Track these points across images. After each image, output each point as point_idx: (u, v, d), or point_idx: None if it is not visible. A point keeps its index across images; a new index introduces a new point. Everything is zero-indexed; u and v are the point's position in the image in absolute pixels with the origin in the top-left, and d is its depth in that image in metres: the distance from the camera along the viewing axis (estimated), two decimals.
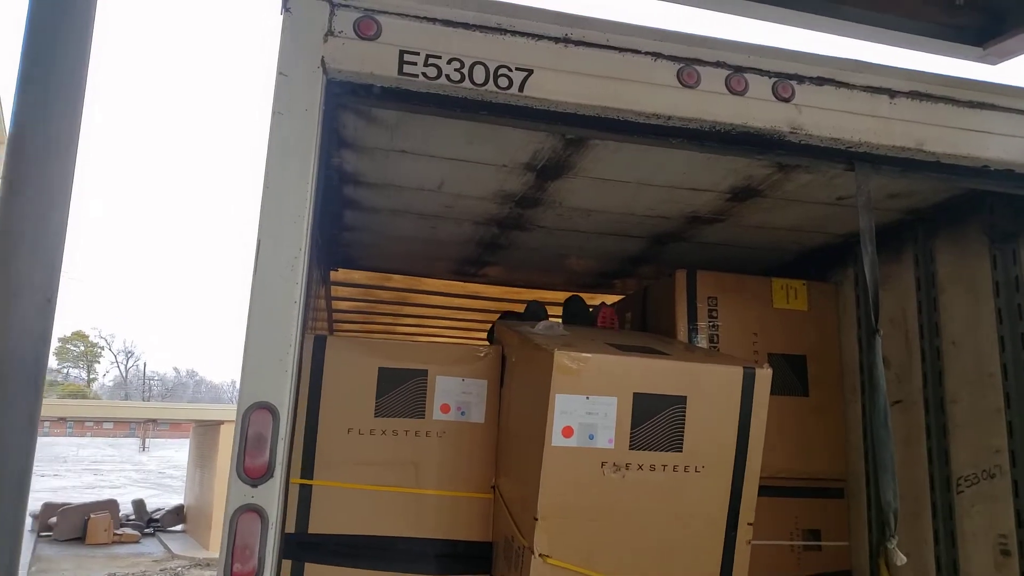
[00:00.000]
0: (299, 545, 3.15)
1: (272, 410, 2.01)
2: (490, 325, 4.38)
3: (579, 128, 2.48)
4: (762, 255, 4.25)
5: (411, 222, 3.92)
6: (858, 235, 3.76)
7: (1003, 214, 3.00)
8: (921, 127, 2.58)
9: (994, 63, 3.45)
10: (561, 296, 5.46)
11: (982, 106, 2.66)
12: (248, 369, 2.03)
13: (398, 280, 5.71)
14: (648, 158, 2.90)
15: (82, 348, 69.71)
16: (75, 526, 17.32)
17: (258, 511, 1.95)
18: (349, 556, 3.20)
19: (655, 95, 2.41)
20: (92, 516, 17.33)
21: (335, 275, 5.50)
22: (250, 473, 1.98)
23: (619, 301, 4.89)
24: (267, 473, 1.99)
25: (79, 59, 1.56)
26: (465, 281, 5.50)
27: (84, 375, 70.90)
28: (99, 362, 73.59)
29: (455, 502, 3.32)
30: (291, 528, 3.14)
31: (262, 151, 2.17)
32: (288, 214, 2.12)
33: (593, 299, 5.52)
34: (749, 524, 2.66)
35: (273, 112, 2.15)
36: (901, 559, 2.44)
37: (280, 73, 2.16)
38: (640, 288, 4.37)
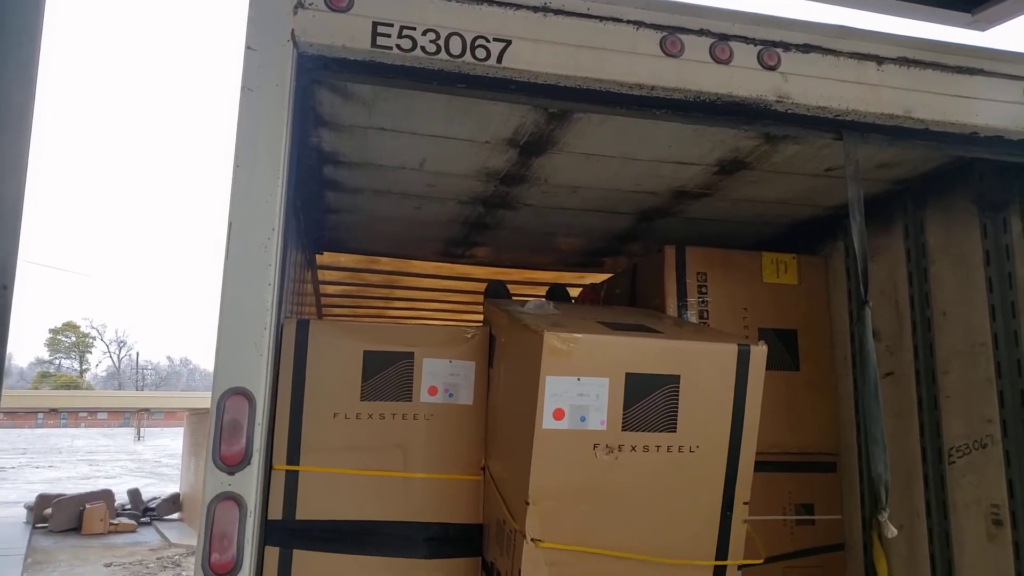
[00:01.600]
0: (286, 532, 3.11)
1: (248, 395, 1.95)
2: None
3: (560, 100, 2.42)
4: (751, 229, 4.20)
5: (395, 202, 3.85)
6: (847, 207, 3.75)
7: (992, 182, 2.96)
8: (909, 94, 2.53)
9: (983, 29, 3.38)
10: (551, 276, 5.42)
11: (970, 71, 2.61)
12: (222, 354, 1.97)
13: (386, 263, 5.65)
14: (633, 131, 2.84)
15: (73, 339, 69.40)
16: (70, 517, 17.29)
17: (235, 499, 1.91)
18: (337, 542, 3.17)
19: (638, 65, 2.34)
20: (87, 506, 17.30)
21: (321, 259, 5.43)
22: (226, 460, 1.93)
23: (608, 279, 4.85)
24: (244, 460, 1.94)
25: (29, 27, 1.48)
26: (454, 263, 5.44)
27: (77, 366, 70.67)
28: (91, 352, 73.37)
29: (444, 485, 3.28)
30: (277, 515, 3.09)
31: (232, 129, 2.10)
32: (259, 193, 2.06)
33: (583, 278, 5.48)
34: (745, 503, 2.62)
35: (242, 88, 2.08)
36: (892, 531, 2.42)
37: (248, 48, 2.08)
38: (629, 265, 4.32)
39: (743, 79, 2.41)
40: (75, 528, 17.06)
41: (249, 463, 1.95)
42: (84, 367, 72.12)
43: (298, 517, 3.15)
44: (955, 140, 2.65)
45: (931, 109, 2.53)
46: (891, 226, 3.48)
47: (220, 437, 1.92)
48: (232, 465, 1.93)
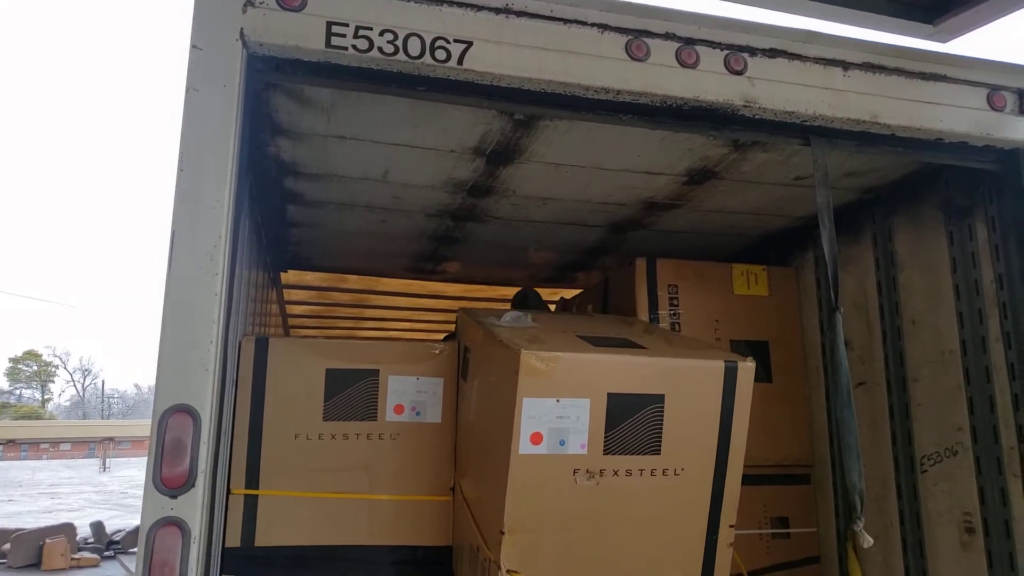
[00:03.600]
0: (244, 560, 2.97)
1: (192, 413, 1.84)
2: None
3: (525, 105, 2.36)
4: (722, 241, 4.18)
5: (360, 216, 3.76)
6: (817, 216, 3.74)
7: (958, 189, 2.96)
8: (875, 99, 2.52)
9: (944, 40, 3.40)
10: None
11: (934, 77, 2.61)
12: (164, 369, 1.85)
13: (354, 281, 5.54)
14: (600, 139, 2.80)
15: (35, 368, 67.59)
16: (30, 552, 16.61)
17: (178, 524, 1.78)
18: (300, 568, 3.03)
19: (603, 69, 2.30)
20: (48, 541, 16.63)
21: (286, 277, 5.30)
22: (168, 483, 1.81)
23: (580, 293, 4.79)
24: (188, 482, 1.82)
25: None
26: (424, 279, 5.35)
27: (38, 396, 68.76)
28: (54, 381, 71.46)
29: (411, 506, 3.17)
30: (235, 542, 2.96)
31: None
32: (205, 200, 1.95)
33: (555, 294, 5.42)
34: (731, 526, 2.51)
35: (187, 89, 1.98)
36: (868, 541, 2.36)
37: (194, 46, 1.99)
38: (601, 279, 4.26)
39: (710, 83, 2.38)
40: (35, 564, 16.41)
41: (193, 485, 1.82)
42: (46, 397, 70.18)
43: (258, 544, 3.02)
44: (921, 146, 2.64)
45: (897, 114, 2.52)
46: (860, 236, 3.47)
47: (161, 458, 1.80)
48: (175, 488, 1.81)
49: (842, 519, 3.54)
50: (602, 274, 4.88)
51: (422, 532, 3.16)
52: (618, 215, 3.74)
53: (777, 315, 3.89)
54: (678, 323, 3.72)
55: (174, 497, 1.80)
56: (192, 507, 1.81)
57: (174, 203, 1.96)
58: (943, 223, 3.04)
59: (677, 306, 3.74)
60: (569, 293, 5.22)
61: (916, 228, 3.21)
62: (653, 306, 3.71)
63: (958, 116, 2.60)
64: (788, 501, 3.69)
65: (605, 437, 2.37)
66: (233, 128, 2.03)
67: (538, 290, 5.15)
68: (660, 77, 2.34)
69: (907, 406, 3.18)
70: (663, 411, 2.40)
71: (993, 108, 2.61)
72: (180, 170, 1.97)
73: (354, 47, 2.10)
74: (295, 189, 3.43)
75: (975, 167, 2.72)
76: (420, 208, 3.63)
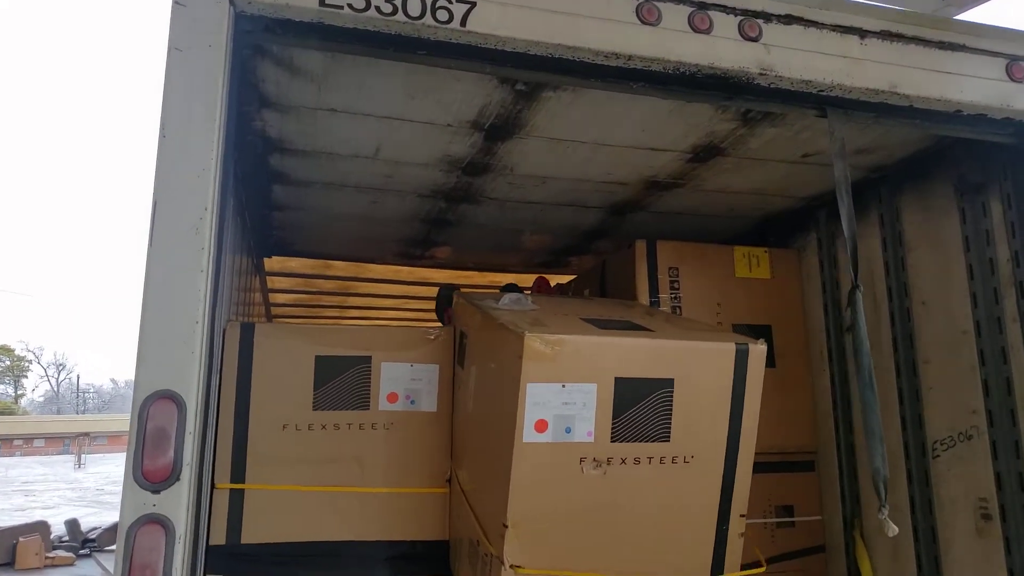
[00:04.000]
0: (230, 558, 2.82)
1: (177, 400, 1.68)
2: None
3: (530, 71, 2.22)
4: (721, 224, 4.07)
5: (348, 197, 3.60)
6: (821, 198, 3.66)
7: (971, 166, 2.87)
8: (894, 68, 2.41)
9: (953, 14, 3.31)
10: (515, 279, 5.20)
11: (952, 47, 2.50)
12: (145, 353, 1.70)
13: (340, 267, 5.37)
14: (604, 112, 2.67)
15: (7, 363, 66.31)
16: (3, 551, 16.23)
17: (161, 522, 1.63)
18: (289, 566, 2.89)
19: (613, 32, 2.16)
20: (21, 540, 16.28)
21: (270, 263, 5.12)
22: (150, 477, 1.65)
23: (575, 279, 4.66)
24: (172, 476, 1.67)
25: None
26: (413, 265, 5.20)
27: (11, 391, 67.47)
28: (27, 376, 70.13)
29: (406, 499, 3.03)
30: (220, 539, 2.81)
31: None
32: (191, 168, 1.80)
33: (549, 281, 5.29)
34: (741, 516, 2.40)
35: (169, 48, 1.82)
36: (893, 530, 2.26)
37: (176, 2, 1.83)
38: (597, 263, 4.14)
39: (724, 50, 2.25)
40: (8, 563, 16.05)
41: (178, 479, 1.67)
42: (19, 392, 68.87)
43: (244, 541, 2.87)
44: (939, 118, 2.54)
45: (916, 84, 2.42)
46: (866, 215, 3.38)
47: (143, 449, 1.65)
48: (157, 482, 1.66)
49: (848, 506, 3.46)
50: (596, 259, 4.76)
51: (417, 526, 3.03)
52: (618, 195, 3.61)
53: (779, 298, 3.80)
54: (679, 306, 3.61)
55: (156, 492, 1.65)
56: (176, 503, 1.66)
57: (155, 172, 1.80)
58: (955, 201, 2.95)
59: (678, 289, 3.63)
60: (563, 279, 5.09)
61: (925, 207, 3.12)
62: (653, 289, 3.60)
63: (977, 87, 2.50)
64: (793, 489, 3.60)
65: (612, 424, 2.26)
66: (219, 92, 1.87)
67: (526, 275, 5.03)
68: (673, 43, 2.21)
69: (917, 390, 3.09)
70: (672, 396, 2.29)
71: (1012, 79, 2.51)
72: (162, 136, 1.81)
73: (350, 6, 1.95)
74: (281, 168, 3.26)
75: (992, 141, 2.63)
76: (413, 188, 3.48)
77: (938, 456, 2.99)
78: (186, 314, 1.74)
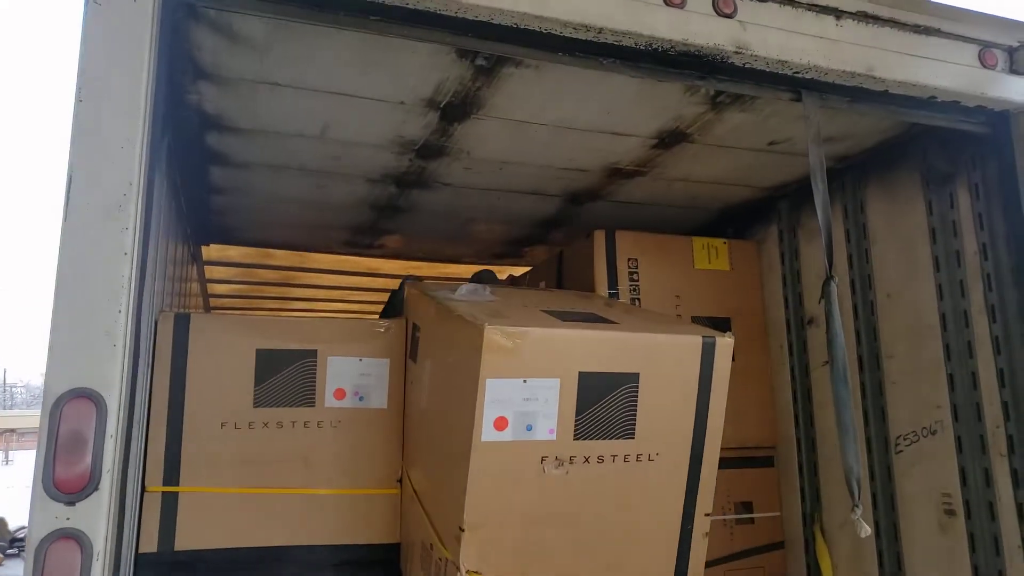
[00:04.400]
0: (163, 567, 2.61)
1: (95, 399, 1.47)
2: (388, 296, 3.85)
3: (493, 42, 2.05)
4: (681, 215, 3.98)
5: (293, 180, 3.38)
6: (783, 188, 3.60)
7: (939, 155, 2.82)
8: (870, 51, 2.33)
9: None
10: (466, 271, 5.03)
11: (927, 31, 2.44)
12: (58, 344, 1.48)
13: (281, 257, 5.10)
14: (569, 93, 2.53)
15: None
16: None
17: (76, 537, 1.42)
18: (228, 574, 2.68)
19: (584, 2, 2.01)
20: None
21: (208, 252, 4.83)
22: (63, 487, 1.44)
23: (530, 271, 4.52)
24: (89, 485, 1.46)
25: None
26: (359, 255, 4.97)
27: None
28: None
29: (355, 501, 2.86)
30: (151, 547, 2.60)
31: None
32: (112, 137, 1.58)
33: (500, 272, 5.14)
34: (706, 515, 2.32)
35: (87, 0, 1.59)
36: (866, 530, 2.18)
37: None
38: (554, 254, 4.01)
39: (699, 25, 2.13)
40: None
41: (97, 488, 1.46)
42: None
43: (178, 548, 2.66)
44: (913, 104, 2.48)
45: (892, 68, 2.34)
46: (830, 207, 3.32)
47: (55, 455, 1.43)
48: (72, 492, 1.44)
49: (808, 502, 3.42)
50: (551, 250, 4.64)
51: (367, 529, 2.86)
52: (577, 183, 3.48)
53: (739, 290, 3.73)
54: (638, 298, 3.51)
55: (71, 504, 1.44)
56: (94, 516, 1.45)
57: (71, 140, 1.57)
58: (921, 192, 2.91)
59: (637, 281, 3.53)
60: (517, 270, 4.95)
61: (890, 198, 3.08)
62: (612, 281, 3.48)
63: (951, 73, 2.44)
64: (752, 485, 3.54)
65: (576, 421, 2.14)
66: (146, 53, 1.66)
67: (478, 267, 4.86)
68: (646, 15, 2.08)
69: (880, 384, 3.05)
70: (638, 391, 2.19)
71: (984, 66, 2.46)
72: (79, 100, 1.58)
73: None
74: (219, 147, 3.02)
75: (964, 129, 2.58)
76: (362, 172, 3.28)
77: (900, 451, 2.95)
78: (108, 302, 1.53)
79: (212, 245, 4.65)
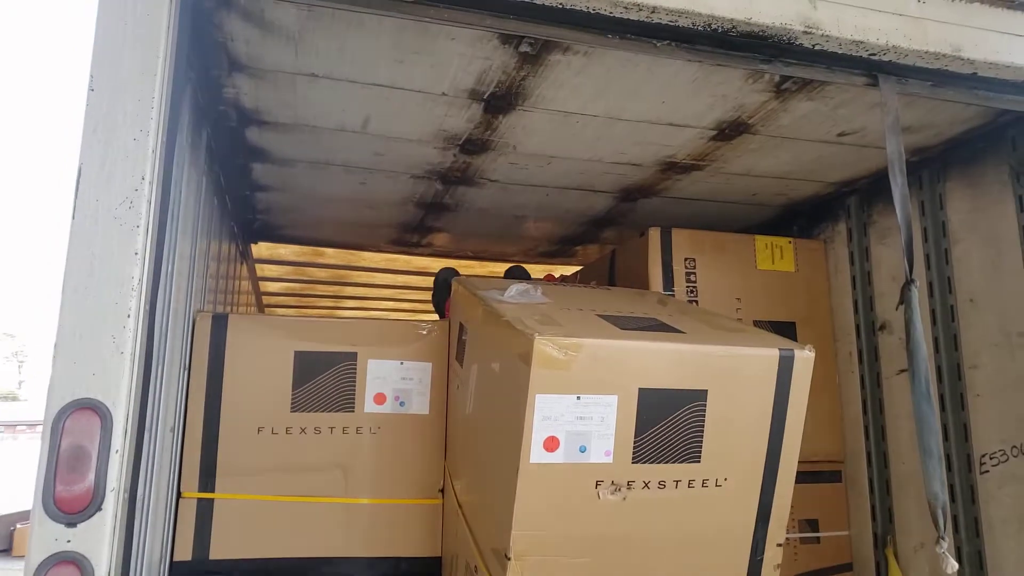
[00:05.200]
0: (197, 575, 2.54)
1: (99, 410, 1.38)
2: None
3: (537, 24, 1.90)
4: (740, 212, 3.76)
5: (336, 177, 3.29)
6: (852, 183, 3.33)
7: None
8: (956, 29, 2.08)
9: None
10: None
11: (1022, 6, 2.17)
12: (62, 352, 1.39)
13: (332, 255, 5.06)
14: (620, 80, 2.35)
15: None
16: (1, 537, 16.10)
17: (76, 562, 1.33)
18: None
19: None
20: (19, 525, 16.14)
21: (258, 251, 4.82)
22: (64, 506, 1.35)
23: (580, 270, 4.35)
24: (91, 505, 1.36)
25: None
26: (409, 254, 4.89)
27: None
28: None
29: (394, 512, 2.75)
30: (186, 554, 2.54)
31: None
32: (123, 129, 1.49)
33: (552, 272, 4.98)
34: (778, 545, 2.07)
35: None
36: (952, 566, 1.94)
37: None
38: (606, 253, 3.82)
39: (764, 3, 1.93)
40: (5, 550, 15.89)
41: (100, 509, 1.37)
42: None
43: (213, 556, 2.60)
44: (1004, 88, 2.22)
45: (982, 48, 2.09)
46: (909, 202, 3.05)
47: (55, 472, 1.34)
48: (73, 513, 1.35)
49: (880, 521, 3.16)
50: (603, 250, 4.46)
51: (406, 542, 2.75)
52: (630, 178, 3.29)
53: (805, 293, 3.48)
54: (696, 301, 3.30)
55: (72, 525, 1.35)
56: (97, 539, 1.35)
57: (82, 133, 1.49)
58: (1010, 186, 2.63)
59: (695, 282, 3.32)
60: (568, 270, 4.79)
61: (974, 194, 2.80)
62: (668, 282, 3.29)
63: None
64: (818, 502, 3.29)
65: (635, 442, 1.92)
66: (162, 40, 1.56)
67: (529, 266, 4.71)
68: None
69: (962, 396, 2.78)
70: (705, 410, 1.95)
71: None
72: (91, 89, 1.50)
73: None
74: (260, 144, 2.95)
75: None
76: (405, 168, 3.17)
77: (987, 471, 2.68)
78: (115, 305, 1.44)
79: (261, 243, 4.64)
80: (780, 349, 1.98)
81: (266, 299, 6.31)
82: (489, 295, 2.36)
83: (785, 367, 1.97)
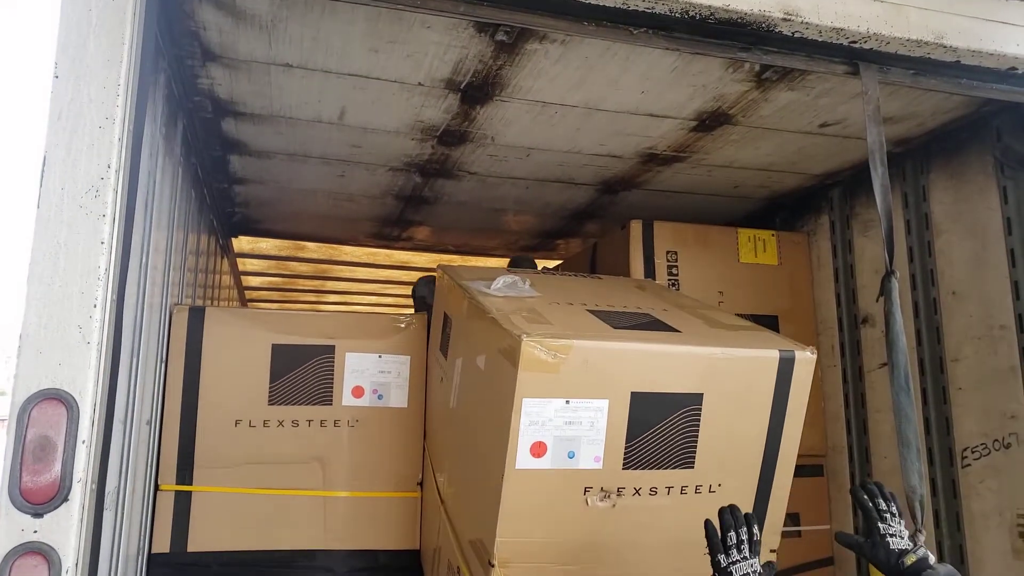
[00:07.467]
0: (175, 568, 2.52)
1: (65, 401, 1.35)
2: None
3: (512, 11, 1.87)
4: (724, 204, 3.75)
5: (314, 170, 3.25)
6: (836, 175, 3.33)
7: (1016, 136, 2.54)
8: (939, 16, 2.07)
9: None
10: (498, 264, 4.86)
11: None
12: (28, 342, 1.36)
13: (313, 249, 5.02)
14: (599, 70, 2.33)
15: None
16: None
17: (43, 552, 1.30)
18: None
19: None
20: None
21: (239, 244, 4.77)
22: (31, 496, 1.32)
23: (560, 264, 4.34)
24: (57, 495, 1.33)
25: None
26: (390, 248, 4.85)
27: None
28: None
29: (372, 505, 2.73)
30: (164, 547, 2.52)
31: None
32: (88, 116, 1.45)
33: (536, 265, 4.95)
34: (772, 552, 2.04)
35: None
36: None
37: None
38: (587, 246, 3.81)
39: None
40: None
41: (66, 500, 1.34)
42: None
43: (191, 549, 2.58)
44: (988, 77, 2.21)
45: (966, 35, 2.08)
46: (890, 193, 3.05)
47: (21, 463, 1.31)
48: (39, 503, 1.32)
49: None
50: (585, 243, 4.44)
51: (384, 534, 2.74)
52: (610, 170, 3.27)
53: (788, 286, 3.48)
54: None
55: (39, 516, 1.32)
56: (64, 529, 1.33)
57: (48, 121, 1.45)
58: (994, 177, 2.62)
59: (677, 275, 3.31)
60: (550, 263, 4.76)
61: (957, 185, 2.79)
62: (650, 275, 3.27)
63: None
64: (798, 495, 3.21)
65: (626, 448, 1.85)
66: (128, 26, 1.53)
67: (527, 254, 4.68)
68: None
69: (944, 390, 2.78)
70: (701, 414, 1.88)
71: None
72: (55, 76, 1.46)
73: None
74: (236, 135, 2.91)
75: None
76: (383, 160, 3.13)
77: (968, 465, 2.68)
78: (81, 296, 1.40)
79: (242, 237, 4.59)
80: (780, 350, 1.92)
81: (248, 294, 6.26)
82: (475, 286, 2.26)
83: (785, 369, 1.91)
